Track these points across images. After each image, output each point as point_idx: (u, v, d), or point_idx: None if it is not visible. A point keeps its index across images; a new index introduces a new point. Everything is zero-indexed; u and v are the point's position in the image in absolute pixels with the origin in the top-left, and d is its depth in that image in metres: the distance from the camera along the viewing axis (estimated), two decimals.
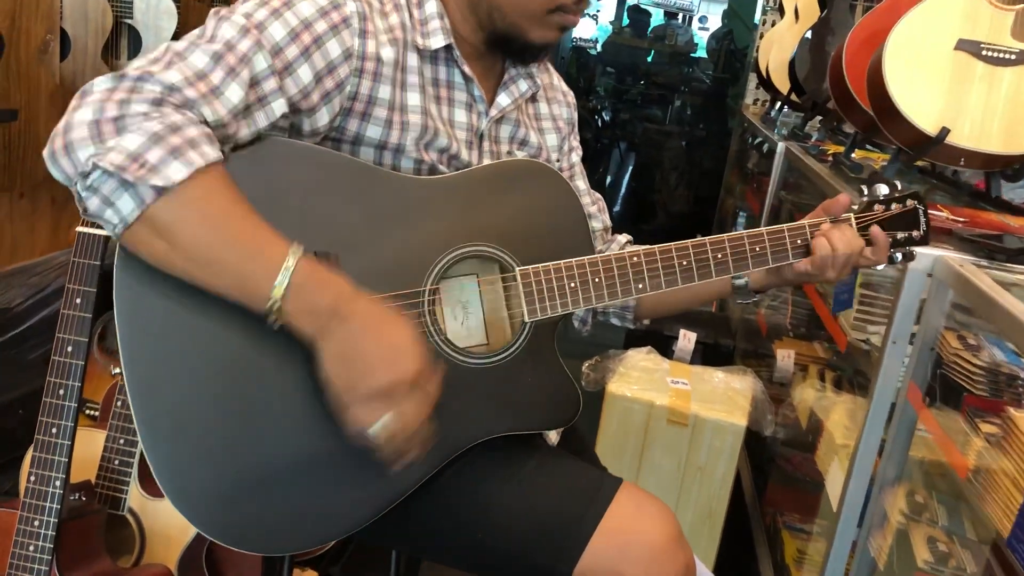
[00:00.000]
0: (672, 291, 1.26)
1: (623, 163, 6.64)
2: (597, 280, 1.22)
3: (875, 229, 1.31)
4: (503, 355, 1.18)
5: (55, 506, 1.37)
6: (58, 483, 1.38)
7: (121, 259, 1.00)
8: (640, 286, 1.24)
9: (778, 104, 3.81)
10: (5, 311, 2.45)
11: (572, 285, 1.21)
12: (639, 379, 2.32)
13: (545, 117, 1.39)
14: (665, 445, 2.21)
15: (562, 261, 1.20)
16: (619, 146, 6.65)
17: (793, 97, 3.44)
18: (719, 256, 1.27)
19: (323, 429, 1.06)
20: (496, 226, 1.18)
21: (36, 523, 1.37)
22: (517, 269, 1.18)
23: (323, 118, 1.11)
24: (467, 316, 1.25)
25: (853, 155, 2.33)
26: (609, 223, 1.51)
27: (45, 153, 0.93)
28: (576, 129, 1.48)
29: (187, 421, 1.02)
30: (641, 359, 2.43)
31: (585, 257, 1.21)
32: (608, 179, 6.53)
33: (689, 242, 1.27)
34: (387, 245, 1.12)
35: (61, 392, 1.39)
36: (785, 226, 1.29)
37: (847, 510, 1.66)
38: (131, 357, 1.00)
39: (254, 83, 1.03)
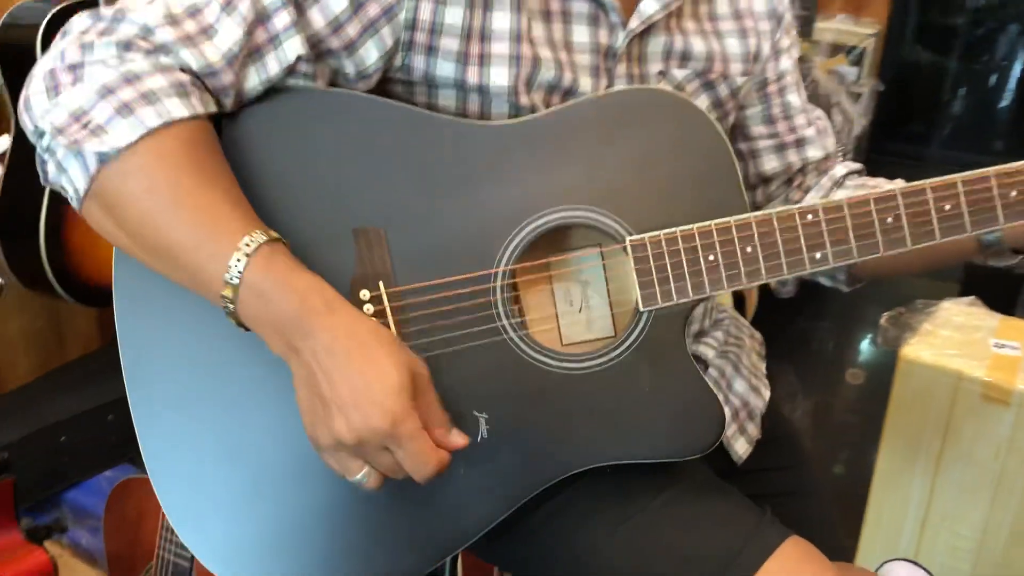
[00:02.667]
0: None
1: (1012, 53, 5.52)
2: (749, 249, 0.86)
3: None
4: (607, 357, 0.87)
5: None
6: None
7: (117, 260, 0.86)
8: (818, 256, 0.86)
9: None
10: None
11: (711, 258, 0.86)
12: (949, 340, 1.81)
13: (723, 16, 1.01)
14: (978, 428, 1.71)
15: (695, 225, 0.86)
16: (1007, 29, 5.53)
17: None
18: (947, 208, 0.84)
19: None
20: (602, 182, 0.87)
21: None
22: (628, 239, 0.86)
23: (370, 56, 0.86)
24: (587, 302, 0.96)
25: None
26: (832, 148, 1.10)
27: None
28: (784, 23, 1.07)
29: (208, 462, 0.86)
30: (957, 313, 1.90)
31: (731, 217, 0.86)
32: (993, 78, 5.47)
33: (899, 189, 0.86)
34: (451, 215, 0.86)
35: None
36: None
37: None
38: (134, 381, 0.86)
39: (262, 18, 0.81)
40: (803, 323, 3.20)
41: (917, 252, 0.90)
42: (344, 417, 0.71)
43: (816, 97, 3.19)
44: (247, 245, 0.73)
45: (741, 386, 1.04)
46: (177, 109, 0.76)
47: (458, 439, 0.76)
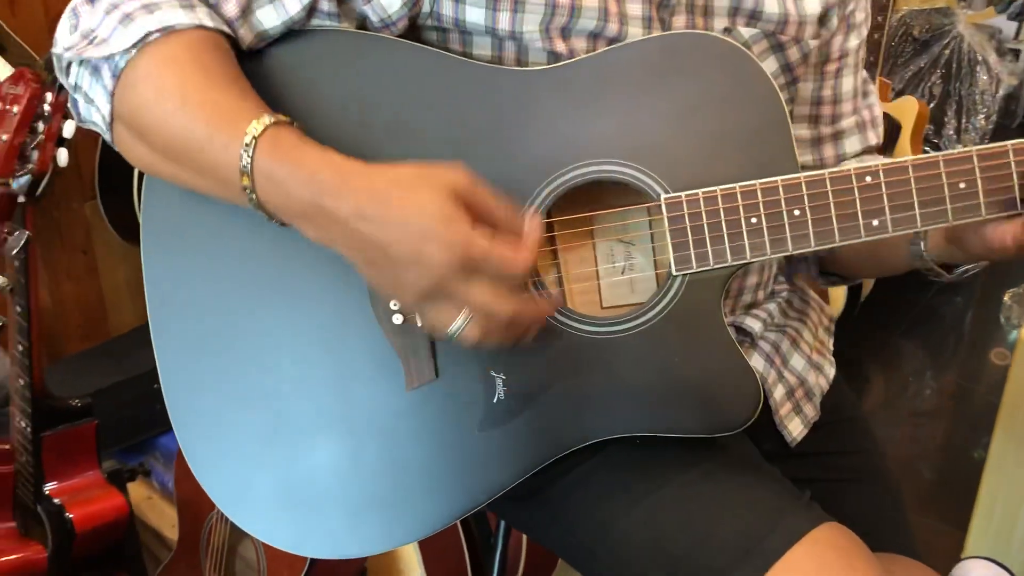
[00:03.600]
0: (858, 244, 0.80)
1: None
2: (797, 212, 0.78)
3: None
4: (633, 323, 0.81)
5: None
6: None
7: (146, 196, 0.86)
8: (876, 223, 0.78)
9: None
10: None
11: (753, 220, 0.79)
12: None
13: None
14: None
15: (737, 184, 0.79)
16: None
17: None
18: None
19: (386, 423, 0.84)
20: (638, 135, 0.81)
21: None
22: (662, 197, 0.80)
23: (392, 3, 0.82)
24: (631, 263, 0.90)
25: None
26: (875, 141, 1.01)
27: None
28: None
29: (228, 406, 0.85)
30: None
31: (779, 177, 0.78)
32: None
33: (975, 150, 0.77)
34: (475, 165, 0.80)
35: None
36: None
37: None
38: (159, 323, 0.86)
39: None
40: (932, 298, 2.99)
41: (868, 251, 0.88)
42: (416, 267, 0.69)
43: (959, 54, 2.95)
44: (254, 129, 0.71)
45: (799, 363, 0.96)
46: (177, 17, 0.75)
47: (533, 220, 0.71)
